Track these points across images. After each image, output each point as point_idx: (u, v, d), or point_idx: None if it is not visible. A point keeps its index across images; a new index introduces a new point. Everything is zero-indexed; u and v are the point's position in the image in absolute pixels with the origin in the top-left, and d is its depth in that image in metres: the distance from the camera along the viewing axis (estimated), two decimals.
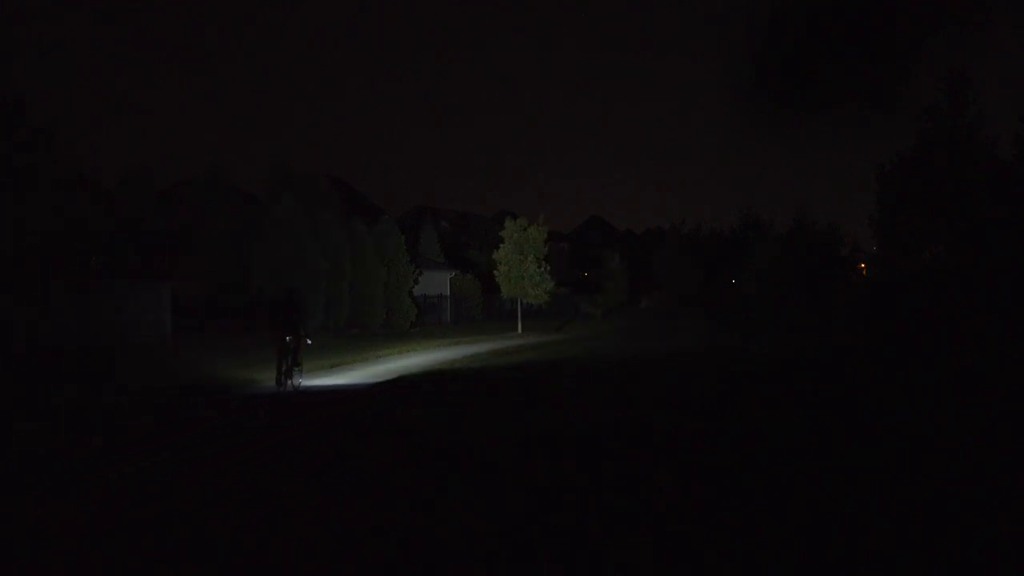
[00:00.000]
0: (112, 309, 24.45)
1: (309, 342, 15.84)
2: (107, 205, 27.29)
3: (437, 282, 42.55)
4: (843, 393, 10.66)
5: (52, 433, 10.25)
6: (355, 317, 32.72)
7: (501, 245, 38.38)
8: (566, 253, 61.82)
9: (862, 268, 58.25)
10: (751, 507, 5.31)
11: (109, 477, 7.23)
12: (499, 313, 45.66)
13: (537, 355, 21.73)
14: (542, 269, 38.15)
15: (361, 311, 32.99)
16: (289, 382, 14.76)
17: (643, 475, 6.38)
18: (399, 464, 7.36)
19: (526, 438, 8.24)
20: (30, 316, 21.70)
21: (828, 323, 30.72)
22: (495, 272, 38.75)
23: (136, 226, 28.96)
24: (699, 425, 8.64)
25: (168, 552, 4.92)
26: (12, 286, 21.27)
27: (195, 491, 6.55)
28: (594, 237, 75.88)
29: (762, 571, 4.19)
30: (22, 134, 21.94)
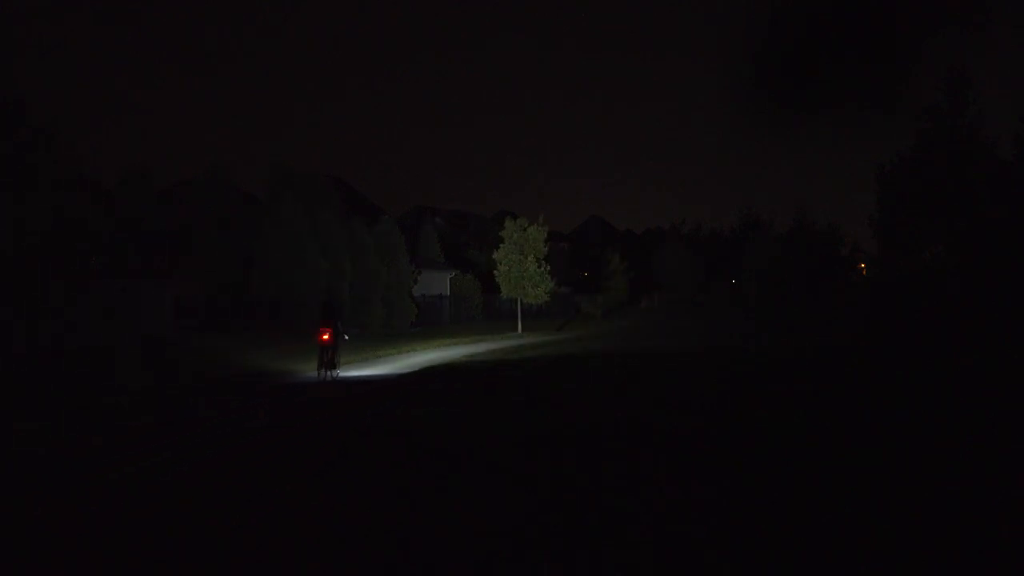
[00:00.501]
0: (112, 309, 24.46)
1: (346, 338, 18.12)
2: (107, 205, 27.30)
3: (437, 282, 42.57)
4: (843, 393, 10.66)
5: (52, 433, 10.25)
6: (354, 317, 32.73)
7: (501, 245, 38.40)
8: (566, 253, 61.80)
9: (862, 268, 58.26)
10: (751, 507, 5.31)
11: (109, 477, 7.23)
12: (499, 313, 45.67)
13: (537, 355, 21.73)
14: (542, 269, 38.17)
15: (361, 311, 33.01)
16: (328, 372, 16.55)
17: (643, 475, 6.39)
18: (399, 464, 7.37)
19: (526, 438, 8.24)
20: (30, 316, 21.71)
21: (828, 323, 30.72)
22: (495, 272, 38.76)
23: (136, 226, 28.98)
24: (699, 425, 8.64)
25: (168, 552, 4.92)
26: (12, 286, 21.28)
27: (195, 491, 6.55)
28: (594, 237, 75.84)
29: (762, 571, 4.20)
30: (22, 134, 21.95)
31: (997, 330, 19.75)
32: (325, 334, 16.64)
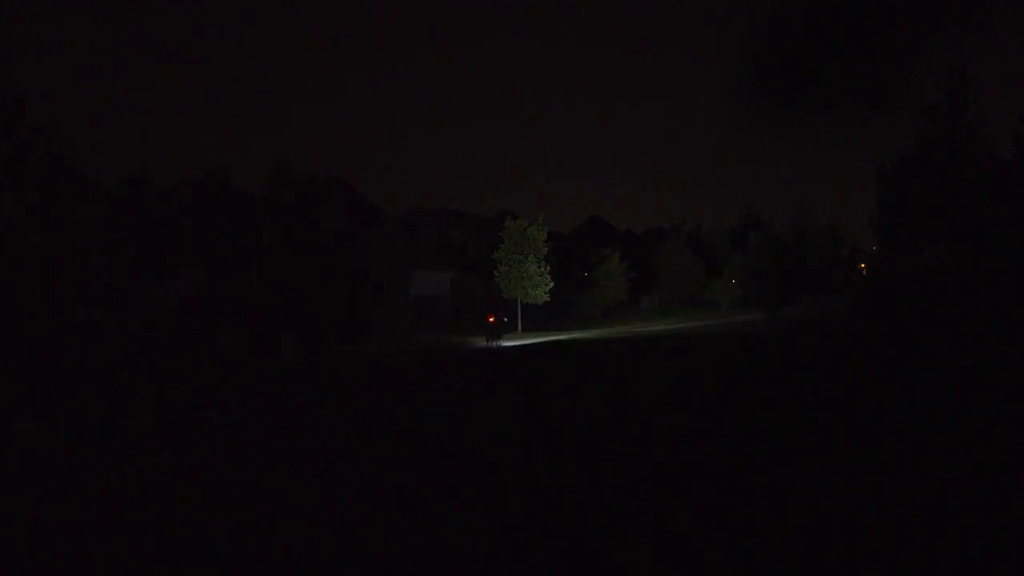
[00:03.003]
0: (111, 308, 24.44)
1: (506, 320, 31.26)
2: (107, 205, 27.30)
3: (437, 282, 42.54)
4: (843, 393, 10.66)
5: (55, 433, 10.25)
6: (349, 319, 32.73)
7: (501, 245, 38.42)
8: (566, 253, 61.73)
9: (862, 268, 58.21)
10: (751, 508, 5.30)
11: (109, 477, 7.23)
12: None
13: (536, 355, 21.73)
14: (542, 269, 38.18)
15: (360, 311, 33.00)
16: (495, 343, 28.64)
17: (643, 475, 6.38)
18: (399, 464, 7.36)
19: (526, 438, 8.25)
20: (30, 316, 21.70)
21: (828, 323, 30.69)
22: (495, 272, 38.78)
23: (136, 226, 28.95)
24: (699, 425, 8.64)
25: (167, 552, 4.91)
26: (12, 286, 21.27)
27: (195, 490, 6.55)
28: (594, 237, 75.66)
29: (762, 571, 4.19)
30: (22, 134, 21.96)
31: (997, 330, 19.74)
32: (491, 318, 29.62)
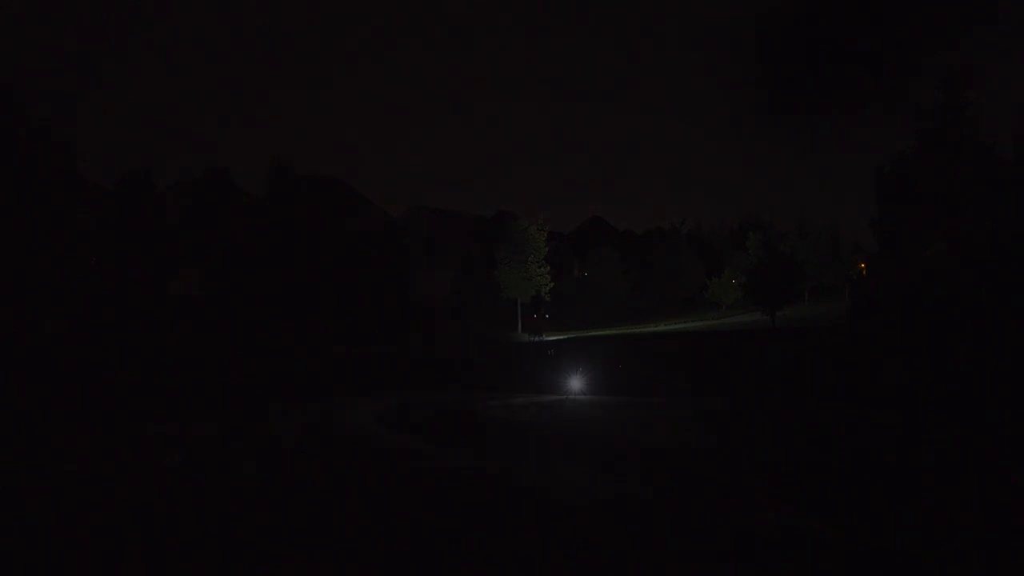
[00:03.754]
0: (112, 308, 24.43)
1: (547, 316, 36.48)
2: (107, 205, 27.31)
3: (437, 282, 42.53)
4: (843, 392, 10.67)
5: (51, 434, 10.26)
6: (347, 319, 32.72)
7: (501, 245, 38.41)
8: (566, 253, 61.69)
9: (862, 268, 58.13)
10: (750, 506, 5.31)
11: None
12: (500, 312, 45.60)
13: (538, 353, 21.75)
14: (542, 269, 38.19)
15: (360, 310, 33.00)
16: (536, 338, 33.34)
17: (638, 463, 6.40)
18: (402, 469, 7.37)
19: (529, 423, 8.27)
20: (31, 317, 21.70)
21: (829, 323, 30.69)
22: (495, 272, 38.78)
23: (136, 226, 28.95)
24: (700, 417, 8.66)
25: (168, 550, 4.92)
26: (12, 286, 21.27)
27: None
28: (594, 237, 75.54)
29: (763, 571, 4.20)
30: (22, 134, 21.95)
31: (997, 329, 19.75)
32: (535, 315, 35.62)
